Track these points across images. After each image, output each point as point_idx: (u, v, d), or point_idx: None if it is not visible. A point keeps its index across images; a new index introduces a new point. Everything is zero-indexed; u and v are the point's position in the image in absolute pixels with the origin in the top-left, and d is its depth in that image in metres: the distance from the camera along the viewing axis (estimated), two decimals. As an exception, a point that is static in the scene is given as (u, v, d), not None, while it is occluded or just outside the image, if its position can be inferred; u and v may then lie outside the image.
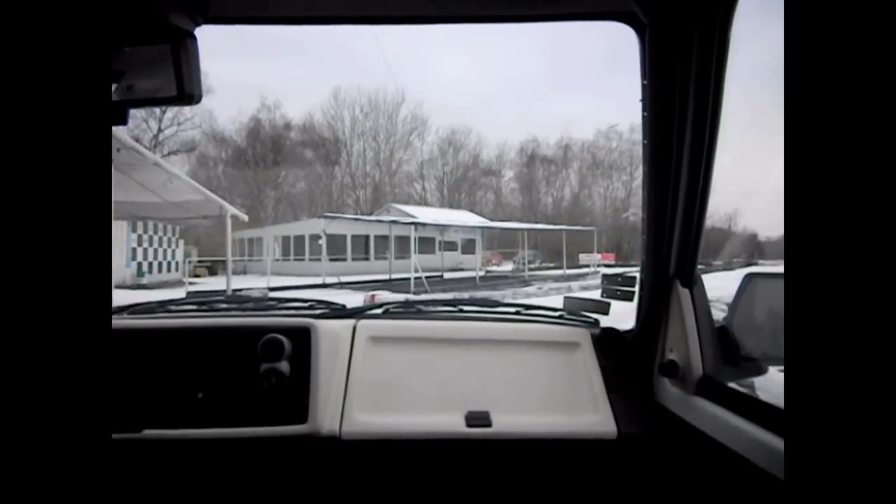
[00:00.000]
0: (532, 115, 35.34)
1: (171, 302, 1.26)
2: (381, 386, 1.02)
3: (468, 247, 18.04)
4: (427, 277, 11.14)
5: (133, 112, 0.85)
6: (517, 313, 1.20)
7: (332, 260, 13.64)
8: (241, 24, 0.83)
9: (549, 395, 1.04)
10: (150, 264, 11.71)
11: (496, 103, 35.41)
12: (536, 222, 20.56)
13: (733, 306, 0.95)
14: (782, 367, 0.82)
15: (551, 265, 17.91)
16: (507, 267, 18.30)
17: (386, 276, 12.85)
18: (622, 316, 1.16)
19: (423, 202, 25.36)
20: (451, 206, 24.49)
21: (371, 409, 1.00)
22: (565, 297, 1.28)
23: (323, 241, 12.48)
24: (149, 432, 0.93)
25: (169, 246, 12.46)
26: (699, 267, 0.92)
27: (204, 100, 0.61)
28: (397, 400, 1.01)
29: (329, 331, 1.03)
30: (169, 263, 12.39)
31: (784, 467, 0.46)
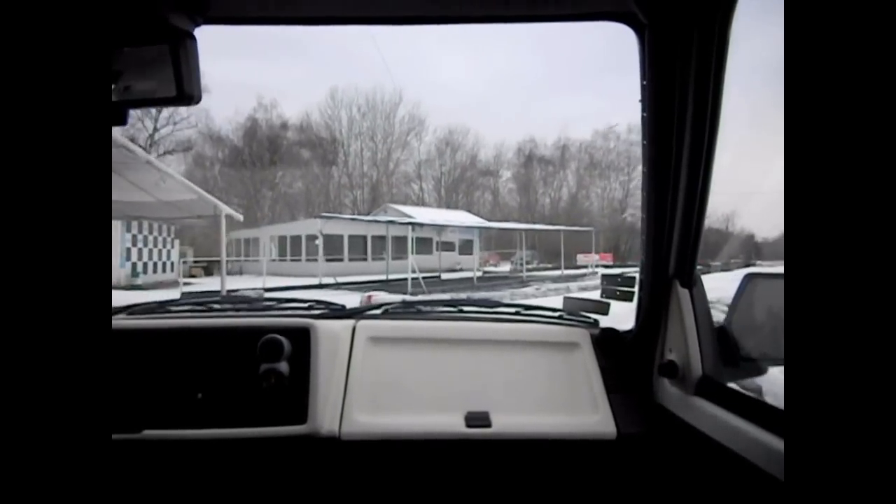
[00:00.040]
0: (530, 115, 35.43)
1: (171, 302, 1.26)
2: (381, 386, 1.02)
3: (466, 247, 18.03)
4: (424, 278, 11.12)
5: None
6: (517, 313, 1.20)
7: (328, 260, 13.58)
8: (241, 24, 0.83)
9: (549, 395, 1.04)
10: (145, 265, 11.61)
11: (494, 104, 35.49)
12: (534, 223, 20.55)
13: (733, 306, 0.96)
14: (782, 368, 0.82)
15: (549, 266, 17.91)
16: (505, 267, 18.30)
17: (383, 277, 12.81)
18: (622, 317, 1.16)
19: (421, 202, 25.36)
20: (449, 207, 24.48)
21: (370, 409, 1.00)
22: (565, 298, 1.28)
23: (319, 242, 12.44)
24: (148, 433, 0.93)
25: (164, 246, 12.36)
26: (697, 268, 0.92)
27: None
28: (397, 400, 1.01)
29: (328, 331, 1.03)
30: (164, 264, 12.29)
31: (784, 468, 0.45)
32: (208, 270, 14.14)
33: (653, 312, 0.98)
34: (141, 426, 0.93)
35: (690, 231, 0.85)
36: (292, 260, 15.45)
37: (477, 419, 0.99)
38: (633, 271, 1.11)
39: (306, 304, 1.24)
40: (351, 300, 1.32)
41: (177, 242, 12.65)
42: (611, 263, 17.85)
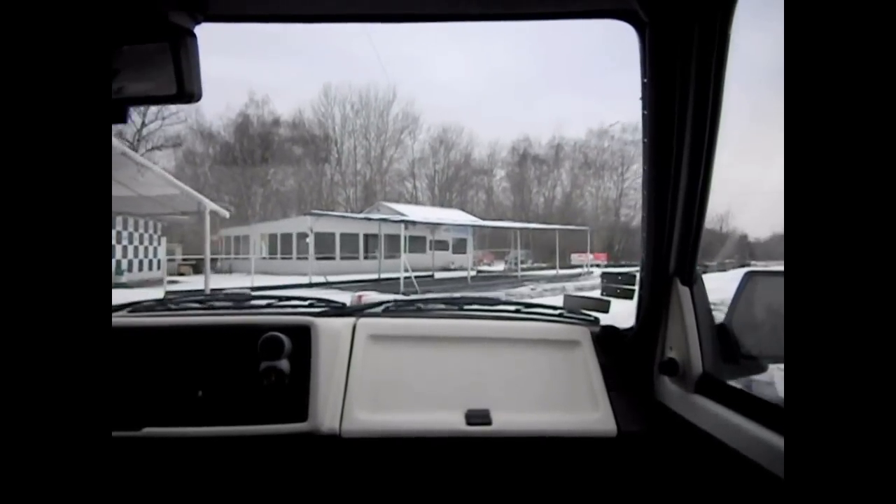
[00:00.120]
0: (524, 114, 35.36)
1: (172, 300, 1.26)
2: (381, 384, 1.02)
3: (459, 246, 17.87)
4: (417, 277, 10.95)
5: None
6: (517, 311, 1.19)
7: (320, 259, 13.40)
8: (242, 22, 0.82)
9: (549, 393, 1.04)
10: (130, 262, 11.41)
11: (488, 102, 35.37)
12: (528, 222, 20.44)
13: (733, 304, 0.95)
14: (782, 365, 0.81)
15: (543, 265, 17.82)
16: (499, 267, 18.21)
17: (375, 276, 12.61)
18: (621, 318, 1.14)
19: (415, 201, 25.20)
20: (443, 205, 24.36)
21: (371, 407, 0.99)
22: (565, 296, 1.28)
23: (311, 240, 12.23)
24: (149, 430, 0.93)
25: (150, 243, 12.15)
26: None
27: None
28: (397, 398, 1.01)
29: (329, 329, 1.03)
30: (150, 261, 12.09)
31: (784, 465, 0.45)
32: (197, 268, 13.91)
33: (653, 310, 0.97)
34: (141, 424, 0.93)
35: (691, 229, 0.84)
36: (283, 258, 15.25)
37: (477, 417, 0.98)
38: (634, 269, 1.01)
39: (307, 302, 1.23)
40: (341, 300, 1.31)
41: (163, 240, 12.44)
42: (605, 263, 17.77)
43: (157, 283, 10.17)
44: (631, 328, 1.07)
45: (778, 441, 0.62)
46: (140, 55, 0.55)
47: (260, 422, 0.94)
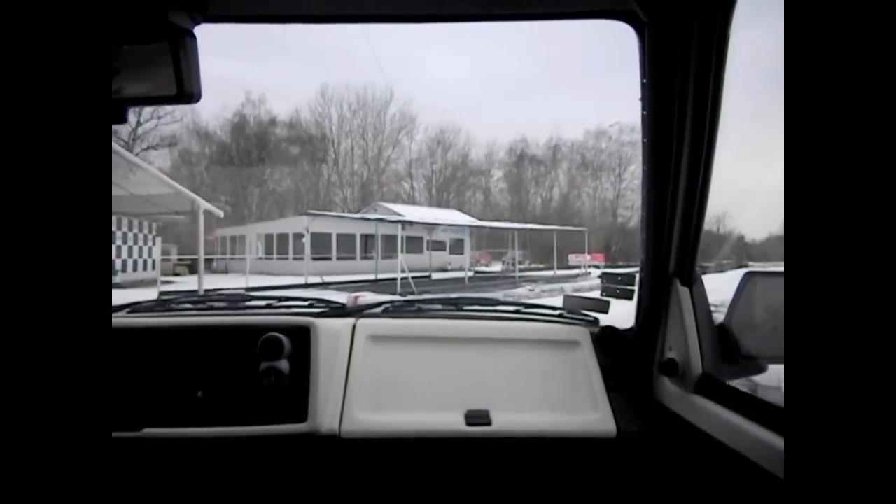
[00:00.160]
0: (522, 114, 35.43)
1: (172, 300, 1.25)
2: (381, 384, 1.02)
3: (457, 246, 17.85)
4: (414, 278, 10.91)
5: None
6: (517, 312, 1.19)
7: (316, 259, 13.31)
8: (241, 22, 0.82)
9: (549, 393, 1.04)
10: (124, 262, 11.31)
11: (486, 103, 35.40)
12: (526, 222, 20.44)
13: (732, 305, 0.95)
14: (782, 366, 0.81)
15: (541, 266, 17.82)
16: (496, 267, 18.17)
17: (372, 277, 12.57)
18: (621, 319, 1.13)
19: (412, 201, 25.15)
20: (440, 206, 24.31)
21: (371, 407, 0.99)
22: (565, 296, 1.28)
23: (307, 240, 12.17)
24: (148, 431, 0.93)
25: (145, 243, 12.04)
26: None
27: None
28: (397, 398, 1.01)
29: (329, 329, 1.03)
30: (145, 262, 11.98)
31: (784, 465, 0.45)
32: (192, 269, 13.79)
33: (653, 311, 0.97)
34: (141, 424, 0.92)
35: (690, 229, 0.84)
36: (279, 258, 15.16)
37: (477, 417, 0.98)
38: (633, 270, 1.04)
39: (307, 303, 1.23)
40: (338, 300, 1.31)
41: (158, 240, 12.34)
42: (602, 264, 17.81)
43: (151, 283, 10.09)
44: (631, 328, 1.07)
45: (778, 441, 0.62)
46: (140, 55, 0.55)
47: (259, 422, 0.94)
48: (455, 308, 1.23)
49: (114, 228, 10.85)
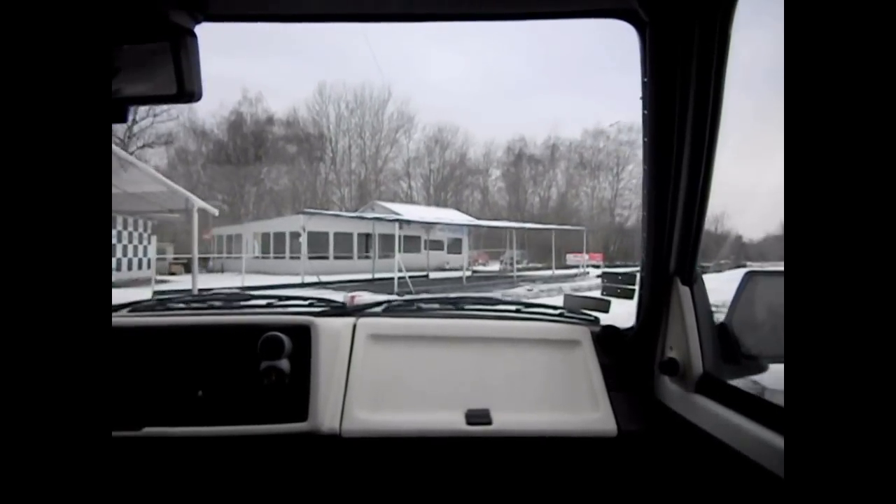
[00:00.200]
0: (520, 114, 35.44)
1: (172, 300, 1.25)
2: (382, 384, 1.02)
3: (454, 246, 17.81)
4: (412, 277, 10.87)
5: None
6: (517, 311, 1.19)
7: (313, 258, 13.25)
8: (242, 21, 0.82)
9: (550, 392, 1.03)
10: (119, 261, 11.21)
11: (484, 102, 35.39)
12: (523, 222, 20.44)
13: (733, 304, 0.95)
14: (782, 365, 0.78)
15: (539, 265, 17.83)
16: (494, 267, 18.15)
17: (369, 276, 12.53)
18: (621, 319, 1.13)
19: (410, 200, 25.13)
20: (438, 205, 24.28)
21: (371, 406, 0.99)
22: (565, 296, 1.28)
23: (303, 239, 12.13)
24: (149, 430, 0.92)
25: (140, 242, 11.94)
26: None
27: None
28: (397, 398, 1.01)
29: (329, 329, 1.03)
30: (140, 261, 11.87)
31: (784, 465, 0.45)
32: (189, 267, 13.69)
33: (653, 310, 0.97)
34: (141, 423, 0.92)
35: (691, 228, 0.83)
36: (276, 257, 15.09)
37: (477, 416, 0.98)
38: (634, 269, 1.02)
39: (307, 302, 1.23)
40: (335, 300, 1.29)
41: (154, 238, 12.24)
42: (600, 263, 17.83)
43: (146, 282, 10.01)
44: (631, 328, 1.07)
45: (778, 441, 0.62)
46: (140, 55, 0.55)
47: (260, 422, 0.93)
48: (455, 307, 1.23)
49: (109, 227, 10.77)
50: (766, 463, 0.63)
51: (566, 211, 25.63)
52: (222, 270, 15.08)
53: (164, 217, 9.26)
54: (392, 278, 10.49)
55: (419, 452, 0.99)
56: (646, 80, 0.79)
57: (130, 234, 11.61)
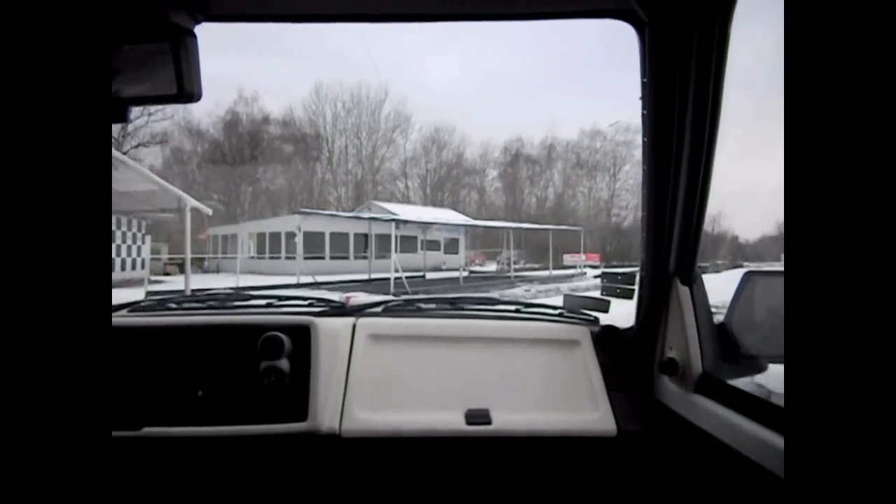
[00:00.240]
0: (517, 114, 35.51)
1: (172, 300, 1.25)
2: (381, 384, 1.02)
3: (451, 246, 17.79)
4: (409, 278, 10.83)
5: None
6: (517, 311, 1.19)
7: (309, 258, 13.18)
8: (242, 21, 0.82)
9: (549, 392, 1.03)
10: (112, 261, 11.08)
11: (481, 102, 35.42)
12: (520, 222, 20.46)
13: (732, 304, 0.95)
14: (782, 365, 0.80)
15: (536, 265, 17.86)
16: (491, 267, 18.14)
17: (365, 276, 12.49)
18: (621, 319, 1.13)
19: (406, 200, 25.08)
20: (435, 205, 24.25)
21: (371, 406, 0.99)
22: (565, 295, 1.28)
23: (299, 238, 12.07)
24: (149, 430, 0.92)
25: (134, 242, 11.81)
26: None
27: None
28: (397, 398, 1.01)
29: (329, 329, 1.03)
30: (134, 261, 11.74)
31: (784, 465, 0.45)
32: (183, 268, 13.59)
33: (653, 310, 0.97)
34: (141, 423, 0.92)
35: (691, 228, 0.83)
36: (271, 257, 15.02)
37: (477, 416, 0.98)
38: (634, 269, 1.02)
39: (307, 302, 1.23)
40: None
41: (148, 238, 12.12)
42: (597, 263, 17.89)
43: (139, 283, 9.92)
44: (631, 328, 1.07)
45: (778, 441, 0.62)
46: (140, 55, 0.55)
47: (260, 421, 0.93)
48: (455, 307, 1.23)
49: (102, 227, 10.65)
50: (766, 463, 0.63)
51: (563, 211, 25.70)
52: (217, 271, 14.99)
53: (158, 217, 9.19)
54: (388, 279, 10.47)
55: (419, 452, 0.99)
56: (645, 80, 0.79)
57: (124, 233, 11.49)
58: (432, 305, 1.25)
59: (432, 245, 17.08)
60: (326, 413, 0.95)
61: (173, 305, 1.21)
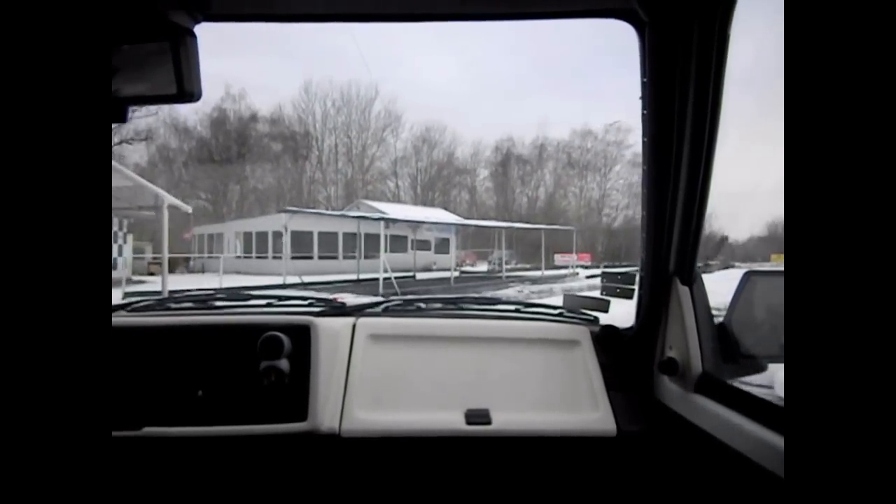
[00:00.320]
0: (508, 114, 35.67)
1: (172, 299, 1.25)
2: (381, 383, 1.02)
3: (442, 246, 17.70)
4: (398, 278, 10.72)
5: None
6: (517, 311, 1.19)
7: (297, 258, 12.97)
8: (242, 21, 0.82)
9: (549, 392, 1.03)
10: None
11: (472, 101, 35.48)
12: (512, 222, 20.54)
13: (732, 304, 0.95)
14: (782, 365, 0.81)
15: (527, 265, 17.93)
16: (482, 267, 18.11)
17: (354, 276, 12.39)
18: (621, 317, 1.13)
19: (397, 199, 24.97)
20: (425, 204, 24.12)
21: (371, 406, 0.99)
22: (565, 295, 1.28)
23: (286, 238, 11.91)
24: (149, 430, 0.92)
25: (114, 241, 11.51)
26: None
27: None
28: (397, 397, 1.01)
29: (329, 328, 1.03)
30: (115, 260, 11.45)
31: (784, 465, 0.45)
32: (169, 268, 13.27)
33: (653, 310, 0.97)
34: (141, 423, 0.92)
35: (690, 228, 0.84)
36: (258, 257, 14.77)
37: (477, 416, 0.98)
38: (633, 269, 1.02)
39: (307, 302, 1.23)
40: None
41: (130, 237, 11.81)
42: (589, 263, 18.05)
43: (117, 283, 9.67)
44: (631, 328, 1.07)
45: (778, 440, 0.63)
46: (140, 55, 0.56)
47: (260, 421, 0.93)
48: (455, 307, 1.23)
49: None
50: (766, 463, 0.64)
51: (554, 211, 25.79)
52: (203, 271, 14.69)
53: (139, 215, 8.95)
54: (377, 279, 10.40)
55: (419, 452, 0.99)
56: (645, 80, 0.79)
57: (105, 232, 11.17)
58: (432, 305, 1.25)
59: (423, 245, 16.98)
60: (326, 413, 0.95)
61: (173, 305, 1.21)
